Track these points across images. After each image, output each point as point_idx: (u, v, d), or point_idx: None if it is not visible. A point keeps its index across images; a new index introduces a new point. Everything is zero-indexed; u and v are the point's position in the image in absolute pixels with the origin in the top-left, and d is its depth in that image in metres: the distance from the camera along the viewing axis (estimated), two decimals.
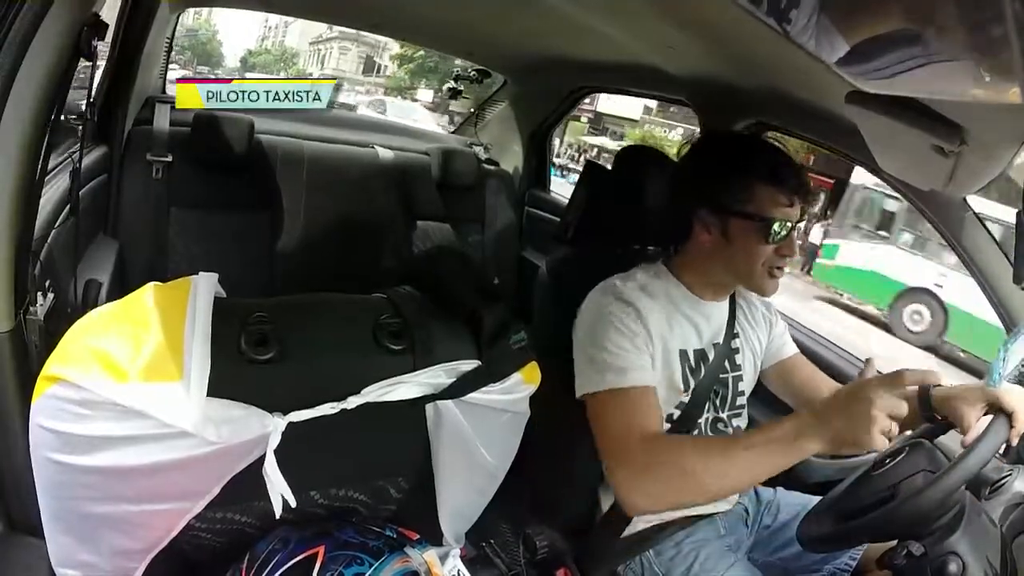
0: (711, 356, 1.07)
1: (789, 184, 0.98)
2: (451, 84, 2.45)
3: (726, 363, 1.10)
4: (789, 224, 0.98)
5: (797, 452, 0.80)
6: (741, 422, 1.15)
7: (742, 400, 1.14)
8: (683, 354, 1.04)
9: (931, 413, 0.98)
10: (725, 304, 1.10)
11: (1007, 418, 0.87)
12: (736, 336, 1.11)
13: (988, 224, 1.14)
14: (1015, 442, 0.86)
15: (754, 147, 1.05)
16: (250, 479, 0.72)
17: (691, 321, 1.06)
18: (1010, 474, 0.99)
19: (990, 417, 0.88)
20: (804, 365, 1.20)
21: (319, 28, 29.14)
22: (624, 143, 11.89)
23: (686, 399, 1.05)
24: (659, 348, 1.00)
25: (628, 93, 2.04)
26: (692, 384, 1.05)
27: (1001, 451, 1.04)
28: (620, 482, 0.90)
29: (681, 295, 1.06)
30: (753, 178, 0.98)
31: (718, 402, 1.10)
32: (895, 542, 0.81)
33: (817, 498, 0.99)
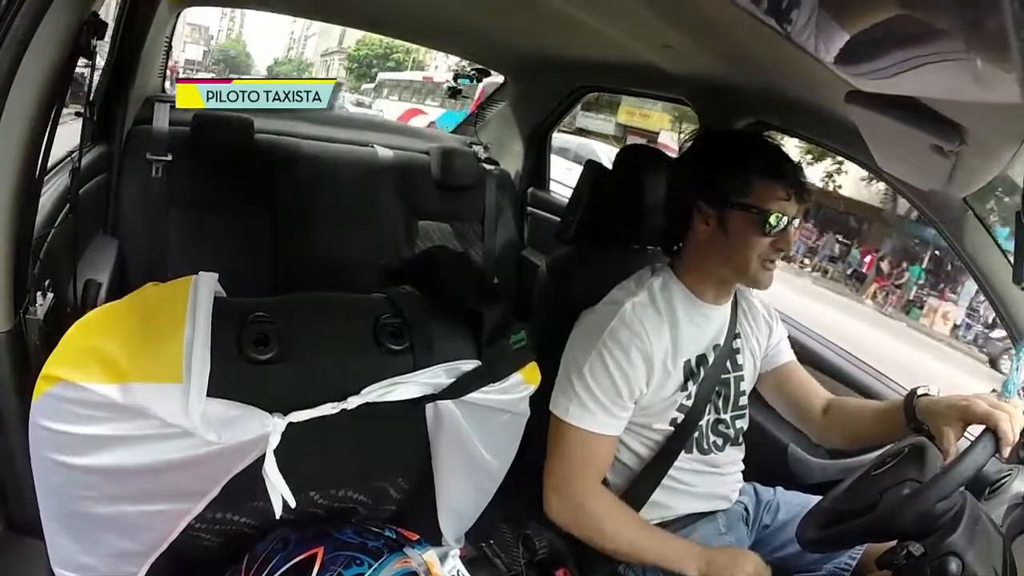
0: (711, 358, 1.08)
1: (787, 179, 1.00)
2: (451, 83, 2.44)
3: (728, 363, 1.10)
4: (785, 217, 0.99)
5: (676, 567, 0.98)
6: (743, 423, 1.15)
7: (744, 400, 1.14)
8: (686, 363, 1.05)
9: (917, 423, 0.97)
10: (727, 305, 1.11)
11: (994, 436, 0.83)
12: (737, 336, 1.12)
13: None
14: (1006, 454, 0.84)
15: (753, 143, 1.07)
16: (250, 479, 0.71)
17: (696, 326, 1.07)
18: (1010, 474, 0.99)
19: (973, 436, 0.85)
20: (797, 371, 1.20)
21: (329, 43, 33.41)
22: None
23: (688, 403, 1.06)
24: (657, 374, 1.02)
25: (628, 92, 2.04)
26: (692, 388, 1.06)
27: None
28: (551, 505, 1.02)
29: (687, 300, 1.07)
30: (752, 172, 1.00)
31: (720, 403, 1.11)
32: (895, 542, 0.81)
33: (817, 498, 0.99)
